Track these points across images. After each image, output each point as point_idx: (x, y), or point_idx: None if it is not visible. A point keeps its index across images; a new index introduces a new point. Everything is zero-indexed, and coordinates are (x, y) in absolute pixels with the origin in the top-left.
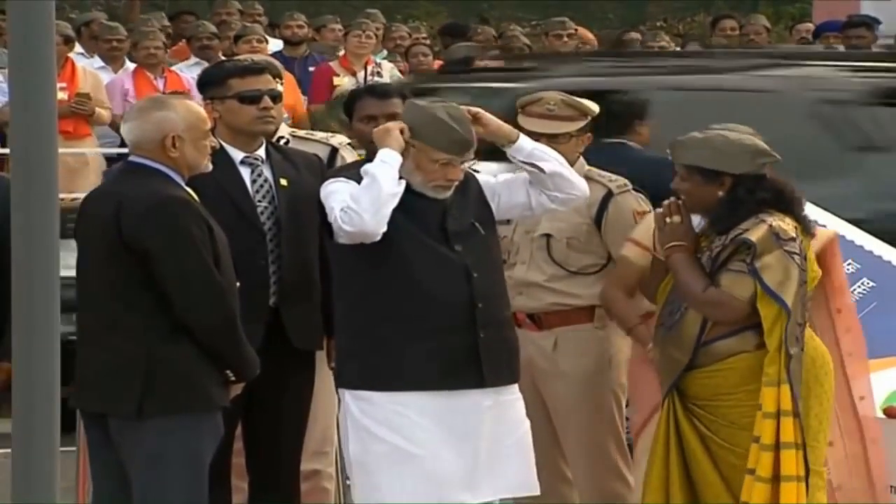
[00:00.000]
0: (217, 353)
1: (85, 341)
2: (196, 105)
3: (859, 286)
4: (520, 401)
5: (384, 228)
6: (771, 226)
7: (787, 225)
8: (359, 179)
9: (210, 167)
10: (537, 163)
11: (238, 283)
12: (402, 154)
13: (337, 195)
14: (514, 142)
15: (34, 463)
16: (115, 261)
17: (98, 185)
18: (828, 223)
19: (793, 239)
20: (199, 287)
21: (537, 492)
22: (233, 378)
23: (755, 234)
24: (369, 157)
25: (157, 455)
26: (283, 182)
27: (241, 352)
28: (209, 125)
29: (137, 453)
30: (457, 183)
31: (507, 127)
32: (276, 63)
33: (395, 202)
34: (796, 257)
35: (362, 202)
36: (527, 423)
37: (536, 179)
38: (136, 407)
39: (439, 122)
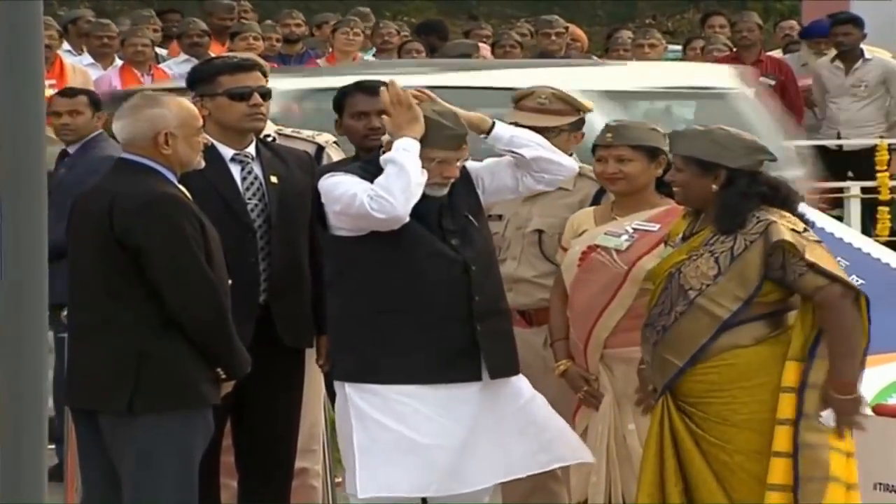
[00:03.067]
0: (208, 350)
1: (77, 338)
2: (188, 102)
3: None
4: (518, 377)
5: (407, 219)
6: (780, 223)
7: (791, 220)
8: (357, 174)
9: (203, 164)
10: (517, 150)
11: (230, 281)
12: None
13: (348, 185)
14: (488, 131)
15: (22, 461)
16: (107, 258)
17: (91, 184)
18: (817, 220)
19: (806, 229)
20: (191, 284)
21: (550, 467)
22: (224, 376)
23: (779, 234)
24: (359, 154)
25: (148, 452)
26: (274, 179)
27: (232, 349)
28: (201, 122)
29: (128, 450)
30: (453, 180)
31: (474, 115)
32: (262, 61)
33: (420, 192)
34: (820, 243)
35: (393, 190)
36: (525, 393)
37: (521, 163)
38: (127, 403)
39: (430, 121)
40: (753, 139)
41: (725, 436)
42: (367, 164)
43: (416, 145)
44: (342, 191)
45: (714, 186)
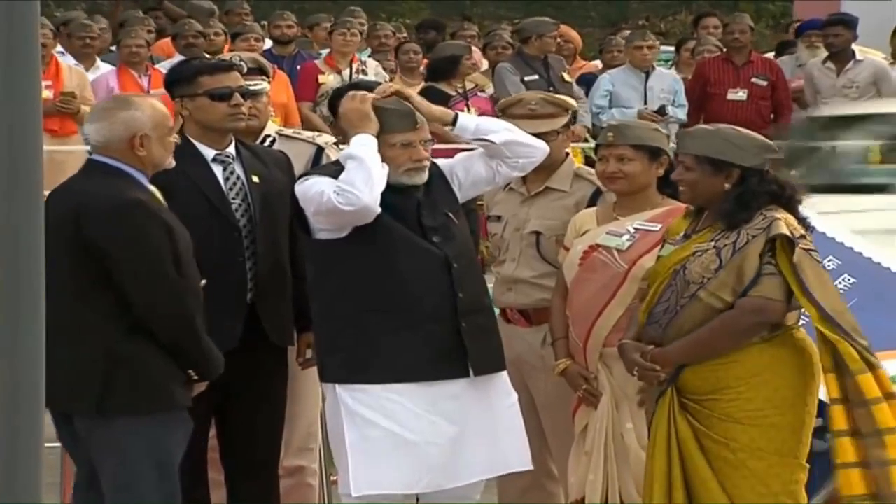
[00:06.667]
0: (178, 352)
1: (46, 340)
2: (159, 102)
3: (840, 282)
4: (503, 376)
5: (378, 209)
6: (783, 221)
7: (793, 222)
8: (330, 175)
9: (173, 163)
10: (486, 136)
11: (204, 281)
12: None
13: (318, 185)
14: (452, 122)
15: (19, 461)
16: (74, 261)
17: (61, 184)
18: (810, 219)
19: (803, 236)
20: (157, 289)
21: (529, 467)
22: (196, 377)
23: (779, 229)
24: None
25: (122, 454)
26: (255, 179)
27: (202, 351)
28: (172, 121)
29: (102, 452)
30: (426, 163)
31: (437, 108)
32: (265, 61)
33: (383, 183)
34: (814, 254)
35: (356, 182)
36: (513, 396)
37: (492, 152)
38: (97, 406)
39: (375, 109)
40: (762, 138)
41: (730, 433)
42: (342, 166)
43: (372, 139)
44: (314, 191)
45: (726, 185)
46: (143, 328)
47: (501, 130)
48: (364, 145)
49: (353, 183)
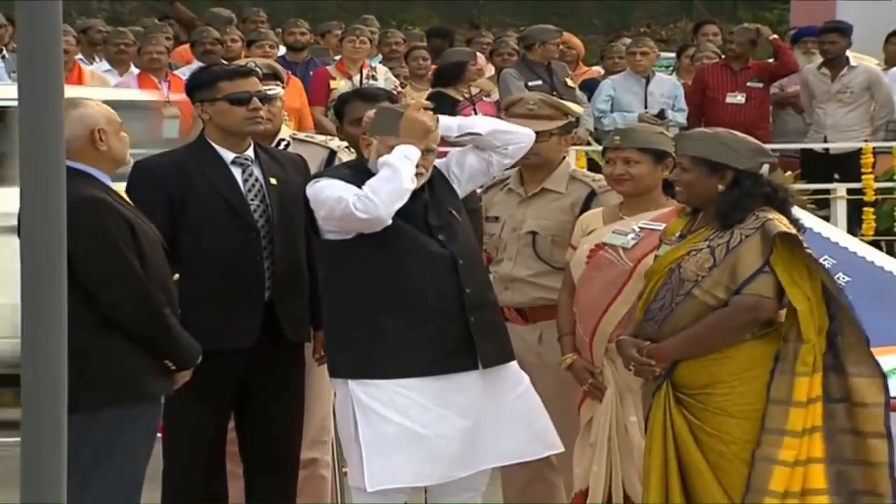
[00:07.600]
0: (150, 343)
1: None
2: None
3: None
4: (511, 366)
5: (389, 222)
6: (776, 220)
7: (786, 222)
8: (342, 178)
9: (131, 161)
10: (471, 130)
11: (176, 276)
12: (368, 154)
13: (333, 189)
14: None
15: (42, 460)
16: None
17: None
18: (804, 220)
19: (795, 235)
20: (120, 284)
21: (547, 453)
22: (173, 367)
23: (777, 228)
24: (360, 160)
25: (94, 448)
26: (273, 181)
27: (174, 341)
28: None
29: (77, 448)
30: (420, 170)
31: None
32: (279, 67)
33: (406, 199)
34: (808, 251)
35: (381, 193)
36: (523, 383)
37: (481, 144)
38: (72, 401)
39: (387, 111)
40: (756, 142)
41: (723, 426)
42: (355, 170)
43: (418, 154)
44: (326, 195)
45: (720, 187)
46: (112, 321)
47: (483, 122)
48: (407, 158)
49: (378, 192)
